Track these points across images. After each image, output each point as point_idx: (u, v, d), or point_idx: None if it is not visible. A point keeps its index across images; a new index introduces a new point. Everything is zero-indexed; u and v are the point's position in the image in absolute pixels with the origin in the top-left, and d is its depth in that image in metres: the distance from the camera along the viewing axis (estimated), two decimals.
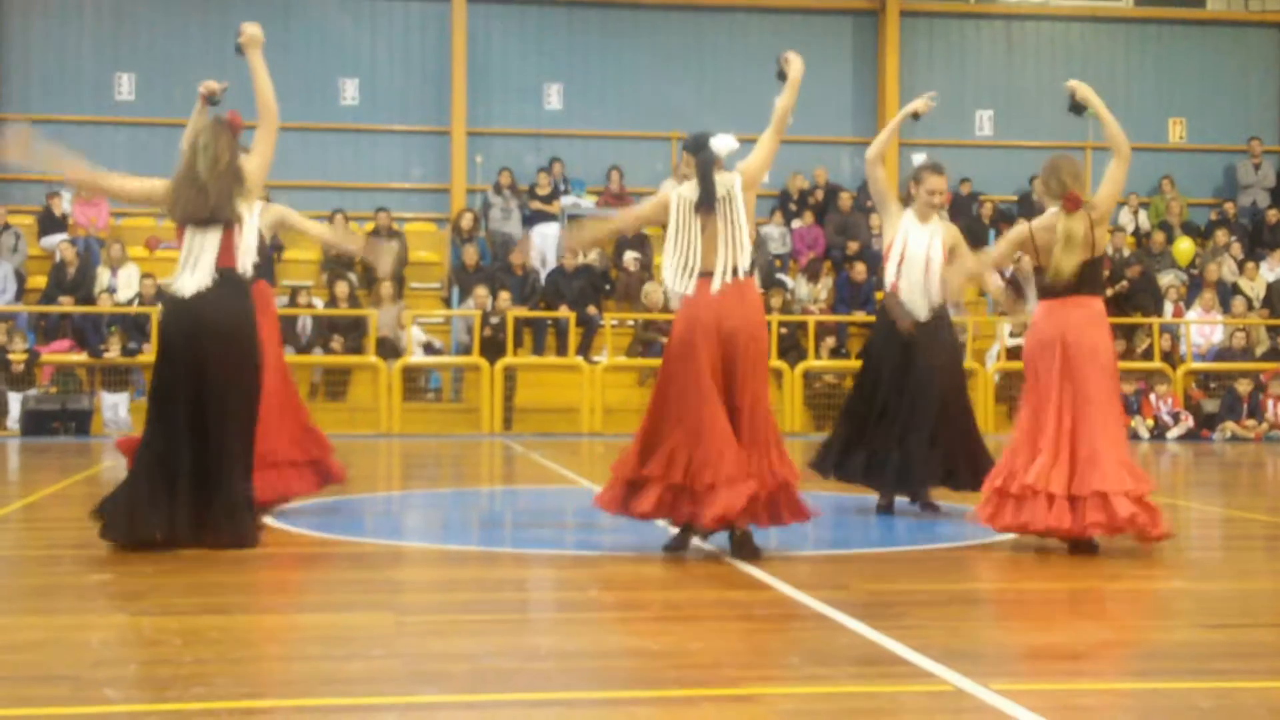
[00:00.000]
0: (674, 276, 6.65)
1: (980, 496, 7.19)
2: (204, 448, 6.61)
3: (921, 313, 8.30)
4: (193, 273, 6.69)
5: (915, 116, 8.48)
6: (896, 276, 8.36)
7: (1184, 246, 21.01)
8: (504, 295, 18.13)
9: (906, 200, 8.55)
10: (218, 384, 6.64)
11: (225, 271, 6.73)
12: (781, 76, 6.91)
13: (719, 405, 6.45)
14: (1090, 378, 6.87)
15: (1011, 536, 7.30)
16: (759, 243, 6.79)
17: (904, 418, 8.24)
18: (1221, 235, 21.03)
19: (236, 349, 6.70)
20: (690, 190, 6.70)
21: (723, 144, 6.69)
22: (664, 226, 6.78)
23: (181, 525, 6.55)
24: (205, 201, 6.73)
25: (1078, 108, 7.22)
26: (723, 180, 6.66)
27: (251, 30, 7.08)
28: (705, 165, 6.68)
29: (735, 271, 6.59)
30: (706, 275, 6.58)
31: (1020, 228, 7.27)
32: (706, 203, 6.61)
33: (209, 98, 7.63)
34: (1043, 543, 7.06)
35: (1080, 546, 6.85)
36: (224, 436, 6.62)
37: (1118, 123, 7.10)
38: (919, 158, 8.55)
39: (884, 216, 8.56)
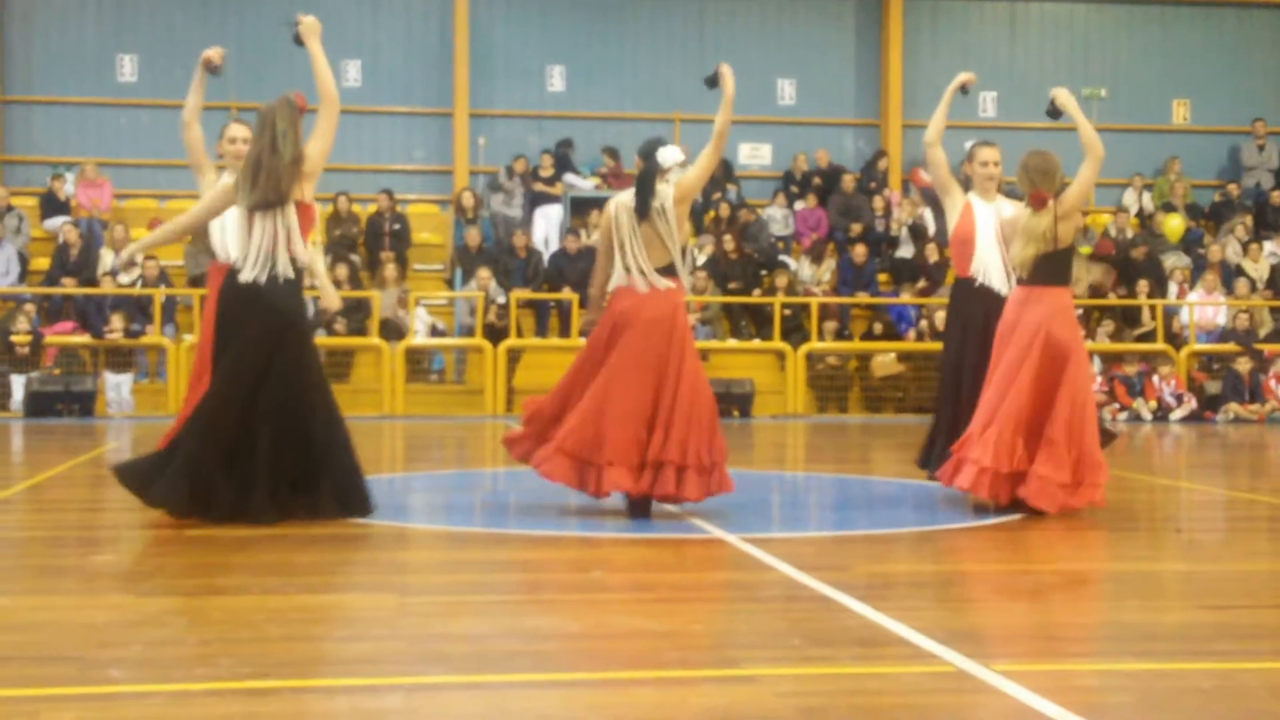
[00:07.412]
0: (619, 275, 7.28)
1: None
2: (279, 429, 6.72)
3: (1004, 290, 8.08)
4: (261, 259, 6.78)
5: (964, 90, 8.50)
6: (969, 260, 8.26)
7: (1174, 224, 20.98)
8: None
9: (966, 185, 8.46)
10: (291, 366, 6.78)
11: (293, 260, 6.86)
12: (711, 84, 7.56)
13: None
14: (1056, 371, 7.30)
15: (1014, 517, 7.32)
16: (686, 250, 7.59)
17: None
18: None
19: (299, 333, 6.91)
20: (629, 197, 7.33)
21: (669, 156, 7.31)
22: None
23: (257, 504, 6.68)
24: (279, 186, 6.78)
25: (1055, 112, 7.78)
26: (660, 192, 7.25)
27: (309, 20, 7.29)
28: (649, 174, 7.27)
29: (666, 273, 7.23)
30: (641, 274, 7.22)
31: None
32: (641, 210, 7.24)
33: (209, 67, 7.71)
34: (1043, 524, 7.07)
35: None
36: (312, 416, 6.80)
37: (1091, 126, 7.59)
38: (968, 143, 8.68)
39: (946, 201, 8.41)
